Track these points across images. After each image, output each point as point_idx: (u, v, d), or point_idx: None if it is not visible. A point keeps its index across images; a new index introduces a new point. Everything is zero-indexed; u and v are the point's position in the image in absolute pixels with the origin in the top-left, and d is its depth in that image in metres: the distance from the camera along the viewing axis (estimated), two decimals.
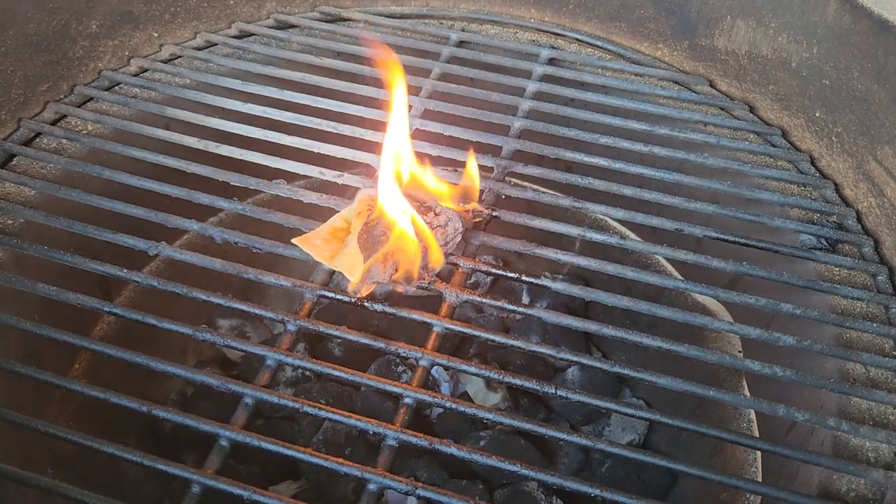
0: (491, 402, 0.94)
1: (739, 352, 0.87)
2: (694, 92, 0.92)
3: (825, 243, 0.74)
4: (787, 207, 0.78)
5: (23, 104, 0.81)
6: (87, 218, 0.71)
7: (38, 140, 0.80)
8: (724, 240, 0.73)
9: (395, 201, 0.64)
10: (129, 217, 0.72)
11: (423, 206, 0.69)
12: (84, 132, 0.82)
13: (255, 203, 0.77)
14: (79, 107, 0.84)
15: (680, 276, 0.96)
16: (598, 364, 0.63)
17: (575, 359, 0.63)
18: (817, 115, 0.82)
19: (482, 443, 0.86)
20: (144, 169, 0.76)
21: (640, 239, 0.95)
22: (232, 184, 0.75)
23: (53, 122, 0.82)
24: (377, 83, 0.88)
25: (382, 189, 0.66)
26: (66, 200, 0.73)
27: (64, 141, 0.80)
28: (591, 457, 0.91)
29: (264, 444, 0.56)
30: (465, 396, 0.96)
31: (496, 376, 0.62)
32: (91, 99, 0.85)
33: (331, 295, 0.66)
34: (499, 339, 0.64)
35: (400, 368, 0.93)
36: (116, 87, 0.88)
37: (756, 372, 0.63)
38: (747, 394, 0.85)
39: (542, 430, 0.58)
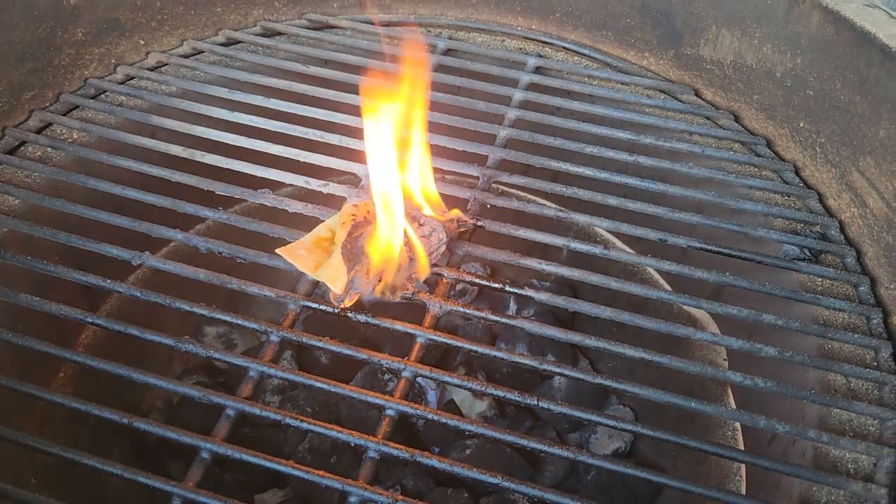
0: (478, 410, 0.94)
1: (724, 360, 0.88)
2: (679, 101, 0.92)
3: (808, 254, 0.75)
4: (771, 217, 0.79)
5: (7, 112, 0.81)
6: (72, 227, 0.71)
7: (22, 149, 0.80)
8: (708, 250, 0.73)
9: (384, 210, 0.64)
10: (114, 226, 0.72)
11: (408, 217, 0.69)
12: (69, 140, 0.81)
13: (240, 212, 0.77)
14: (64, 115, 0.84)
15: (666, 285, 0.97)
16: (580, 376, 0.63)
17: (558, 370, 0.63)
18: (801, 125, 0.83)
19: (468, 451, 0.86)
20: (129, 178, 0.76)
21: (626, 248, 0.95)
22: (217, 193, 0.75)
23: (38, 131, 0.82)
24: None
25: (373, 198, 0.66)
26: (51, 210, 0.73)
27: (49, 149, 0.80)
28: (577, 465, 0.91)
29: (246, 457, 0.56)
30: (452, 404, 0.96)
31: (479, 388, 0.62)
32: (77, 107, 0.85)
33: (314, 305, 0.66)
34: (482, 349, 0.64)
35: (387, 377, 0.93)
36: (102, 95, 0.87)
37: (738, 383, 0.63)
38: (732, 403, 0.86)
39: (524, 443, 0.58)
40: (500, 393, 0.61)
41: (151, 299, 0.66)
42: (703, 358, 0.89)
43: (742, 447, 0.82)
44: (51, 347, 0.62)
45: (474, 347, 0.64)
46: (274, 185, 0.76)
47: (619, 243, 1.02)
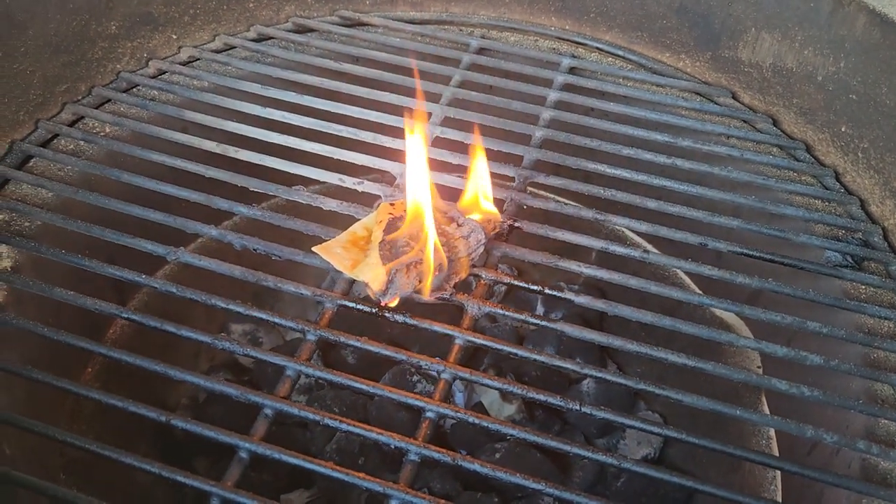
0: (506, 414, 0.93)
1: (759, 367, 0.87)
2: (716, 104, 0.91)
3: (851, 260, 0.73)
4: (812, 223, 0.77)
5: (41, 105, 0.80)
6: (103, 220, 0.70)
7: (55, 141, 0.79)
8: (749, 255, 0.72)
9: (423, 211, 0.63)
10: (145, 220, 0.71)
11: (446, 217, 0.68)
12: (102, 134, 0.81)
13: (273, 209, 0.76)
14: (96, 108, 0.83)
15: (698, 290, 0.96)
16: (621, 380, 0.62)
17: (598, 374, 0.62)
18: (843, 129, 0.81)
19: (497, 455, 0.85)
20: (162, 172, 0.75)
21: (660, 252, 0.94)
22: (251, 189, 0.74)
23: (71, 124, 0.81)
24: (396, 89, 0.87)
25: (411, 199, 0.66)
26: (83, 203, 0.72)
27: (81, 143, 0.79)
28: (606, 470, 0.90)
29: (285, 457, 0.55)
30: (480, 406, 0.95)
31: (518, 391, 0.61)
32: (109, 101, 0.85)
33: (352, 305, 0.65)
34: (521, 352, 0.63)
35: (415, 378, 0.92)
36: (134, 89, 0.87)
37: (783, 391, 0.62)
38: (766, 409, 0.84)
39: (567, 449, 0.57)
40: (542, 397, 0.60)
41: (188, 296, 0.65)
42: (737, 364, 0.88)
43: (777, 452, 0.81)
44: (88, 343, 0.61)
45: (513, 350, 0.63)
46: (307, 183, 0.76)
47: (649, 246, 1.01)
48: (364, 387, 0.60)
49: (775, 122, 0.88)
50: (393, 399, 0.60)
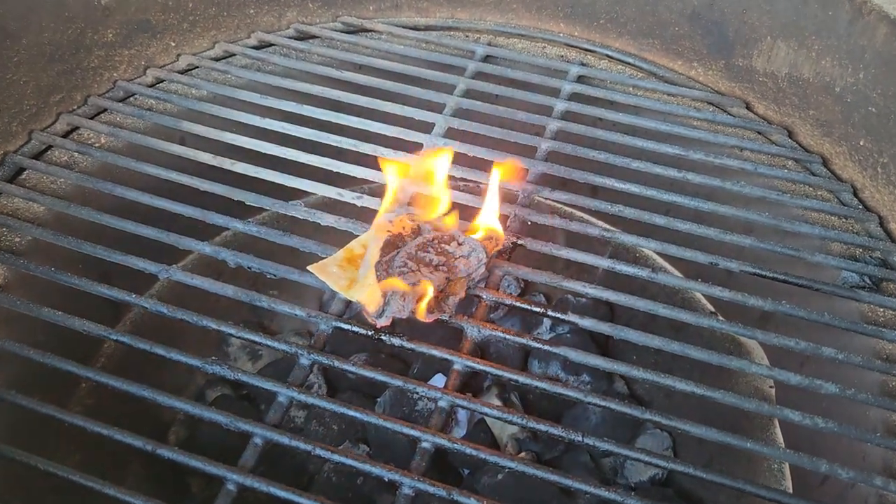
0: (509, 432, 0.91)
1: (771, 387, 0.84)
2: (730, 114, 0.88)
3: (868, 281, 0.70)
4: (828, 241, 0.75)
5: (35, 115, 0.79)
6: (97, 236, 0.68)
7: (49, 153, 0.78)
8: (761, 275, 0.69)
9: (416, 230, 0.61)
10: (141, 237, 0.69)
11: (446, 236, 0.65)
12: (97, 145, 0.79)
13: (270, 224, 0.74)
14: (92, 118, 0.82)
15: (711, 308, 0.93)
16: (626, 410, 0.59)
17: (603, 403, 0.60)
18: (861, 143, 0.78)
19: (500, 476, 0.83)
20: (157, 185, 0.73)
21: (670, 269, 0.91)
22: (248, 203, 0.72)
23: (65, 135, 0.80)
24: (399, 99, 0.85)
25: (402, 218, 0.64)
26: (76, 218, 0.70)
27: (76, 154, 0.78)
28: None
29: (273, 490, 0.53)
30: (484, 423, 0.93)
31: (517, 420, 0.58)
32: (105, 110, 0.83)
33: (346, 327, 0.63)
34: (521, 378, 0.60)
35: (416, 396, 0.90)
36: (131, 98, 0.85)
37: (796, 422, 0.59)
38: (779, 436, 0.81)
39: (556, 479, 0.55)
40: (534, 425, 0.58)
41: (178, 316, 0.63)
42: (749, 386, 0.85)
43: (789, 482, 0.78)
44: (72, 366, 0.59)
45: (513, 376, 0.60)
46: (305, 196, 0.74)
47: (666, 265, 0.98)
48: (359, 415, 0.58)
49: (791, 134, 0.85)
50: (388, 428, 0.57)
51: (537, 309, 0.66)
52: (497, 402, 0.91)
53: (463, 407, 0.59)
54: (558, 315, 0.65)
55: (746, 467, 0.82)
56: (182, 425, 0.90)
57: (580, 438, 0.57)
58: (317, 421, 0.88)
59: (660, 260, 0.91)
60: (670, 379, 0.60)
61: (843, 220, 0.76)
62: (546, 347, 0.63)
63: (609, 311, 1.05)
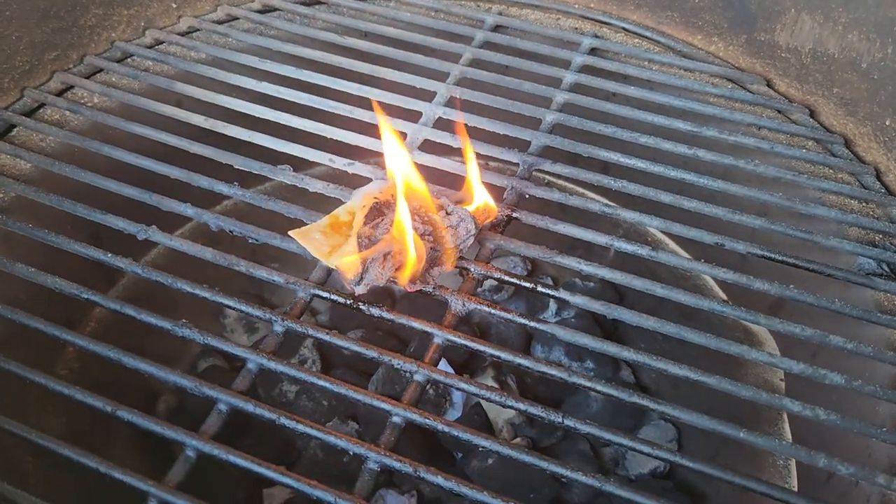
0: (505, 416, 0.88)
1: (781, 380, 0.80)
2: (749, 91, 0.83)
3: (886, 269, 0.66)
4: (845, 226, 0.70)
5: (28, 72, 0.77)
6: (81, 194, 0.67)
7: (40, 111, 0.76)
8: (771, 258, 0.65)
9: (403, 199, 0.58)
10: (126, 198, 0.67)
11: (435, 205, 0.62)
12: (89, 104, 0.78)
13: (257, 189, 0.72)
14: (87, 78, 0.80)
15: (721, 292, 0.89)
16: (614, 393, 0.56)
17: (589, 385, 0.56)
18: (888, 123, 0.73)
19: (490, 460, 0.80)
20: (148, 147, 0.71)
21: (678, 250, 0.87)
22: (235, 167, 0.70)
23: (59, 93, 0.78)
24: (402, 66, 0.82)
25: (391, 186, 0.61)
26: (60, 176, 0.69)
27: (67, 113, 0.76)
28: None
29: (232, 458, 0.50)
30: (479, 406, 0.90)
31: (498, 398, 0.55)
32: (101, 70, 0.81)
33: (325, 295, 0.60)
34: (505, 356, 0.57)
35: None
36: (129, 60, 0.83)
37: (796, 413, 0.55)
38: (787, 427, 0.77)
39: (544, 465, 0.51)
40: (523, 406, 0.55)
41: (153, 277, 0.61)
42: (758, 376, 0.81)
43: (795, 476, 0.74)
44: (57, 330, 0.57)
45: (497, 353, 0.57)
46: (296, 161, 0.71)
47: (671, 244, 0.94)
48: (330, 386, 0.55)
49: (812, 114, 0.80)
50: (360, 401, 0.55)
51: (527, 284, 0.62)
52: (492, 384, 0.88)
53: (440, 382, 0.56)
54: (548, 291, 0.62)
55: (752, 462, 0.78)
56: (172, 394, 0.89)
57: (573, 426, 0.53)
58: (307, 396, 0.86)
59: (666, 239, 0.87)
60: (662, 362, 0.57)
61: (864, 203, 0.72)
62: (533, 324, 0.59)
63: (617, 296, 1.01)
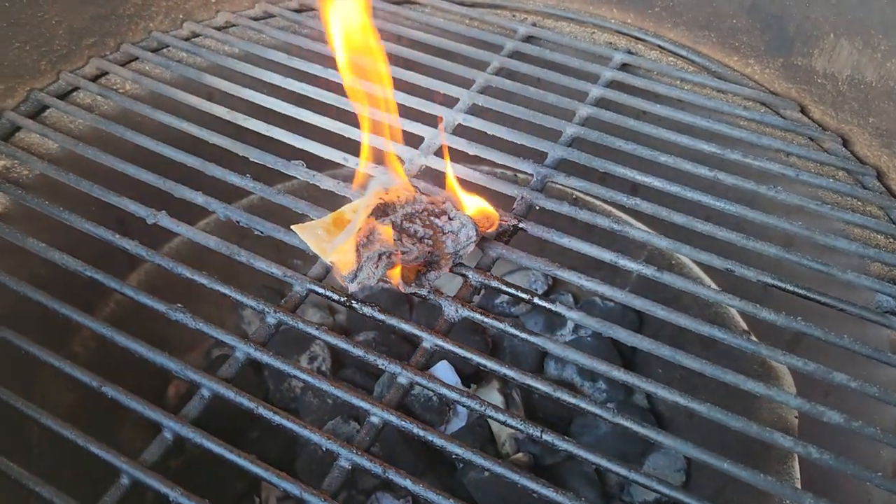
0: (508, 430, 0.87)
1: (796, 417, 0.77)
2: (781, 116, 0.81)
3: None
4: (867, 261, 0.67)
5: (65, 56, 0.80)
6: (103, 176, 0.68)
7: (73, 94, 0.79)
8: (783, 288, 0.63)
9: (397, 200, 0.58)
10: (143, 182, 0.69)
11: (437, 209, 0.62)
12: (120, 91, 0.80)
13: (267, 182, 0.73)
14: (122, 65, 0.82)
15: (742, 322, 0.86)
16: (620, 422, 0.54)
17: (594, 411, 0.55)
18: None
19: (486, 473, 0.78)
20: (171, 135, 0.73)
21: (701, 275, 0.85)
22: (251, 159, 0.71)
23: (94, 79, 0.81)
24: (430, 72, 0.82)
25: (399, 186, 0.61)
26: (83, 157, 0.71)
27: (98, 97, 0.79)
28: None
29: (206, 443, 0.51)
30: (483, 419, 0.89)
31: (478, 408, 0.54)
32: (136, 59, 0.84)
33: (320, 291, 0.60)
34: (490, 364, 0.57)
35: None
36: (164, 50, 0.85)
37: (788, 449, 0.53)
38: (796, 465, 0.74)
39: (535, 487, 0.51)
40: (515, 423, 0.54)
41: (156, 262, 0.62)
42: (773, 411, 0.78)
43: None
44: (73, 312, 0.59)
45: (484, 361, 0.57)
46: (311, 158, 0.72)
47: (696, 269, 0.92)
48: (311, 380, 0.55)
49: (846, 143, 0.77)
50: (339, 397, 0.55)
51: (523, 295, 0.61)
52: (497, 398, 0.87)
53: (423, 386, 0.55)
54: (545, 304, 0.61)
55: (758, 500, 0.75)
56: (182, 381, 0.90)
57: (575, 451, 0.52)
58: (312, 393, 0.87)
59: (690, 263, 0.85)
60: (651, 384, 0.55)
61: (890, 239, 0.69)
62: (523, 335, 0.58)
63: (637, 318, 0.99)
